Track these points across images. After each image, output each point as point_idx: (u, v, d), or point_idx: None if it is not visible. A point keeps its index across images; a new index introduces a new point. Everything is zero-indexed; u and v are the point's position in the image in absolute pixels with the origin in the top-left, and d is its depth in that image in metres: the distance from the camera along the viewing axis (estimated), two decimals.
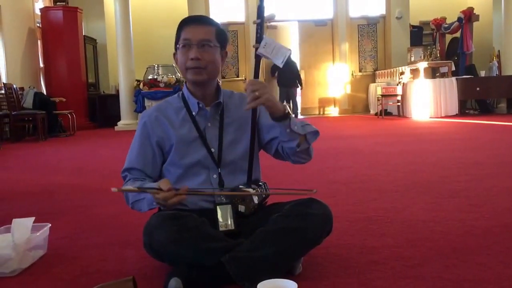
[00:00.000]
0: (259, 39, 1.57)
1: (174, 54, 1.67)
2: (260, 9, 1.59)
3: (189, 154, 1.63)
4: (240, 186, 1.63)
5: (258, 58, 1.60)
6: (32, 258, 1.79)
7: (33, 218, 1.81)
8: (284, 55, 1.53)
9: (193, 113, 1.66)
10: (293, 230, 1.48)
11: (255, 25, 1.59)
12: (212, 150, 1.64)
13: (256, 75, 1.59)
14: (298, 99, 12.02)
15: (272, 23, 11.88)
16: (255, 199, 1.62)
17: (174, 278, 1.36)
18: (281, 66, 1.61)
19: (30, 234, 1.76)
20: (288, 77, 10.76)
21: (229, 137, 1.67)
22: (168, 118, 1.66)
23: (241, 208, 1.59)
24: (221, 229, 1.54)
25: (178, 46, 1.62)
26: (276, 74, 11.08)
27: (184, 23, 1.62)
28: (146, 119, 1.68)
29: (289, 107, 10.94)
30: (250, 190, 1.62)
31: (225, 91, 1.73)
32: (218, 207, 1.57)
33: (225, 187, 1.64)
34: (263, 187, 1.67)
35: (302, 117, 11.53)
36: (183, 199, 1.46)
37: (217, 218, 1.55)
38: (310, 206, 1.55)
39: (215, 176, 1.64)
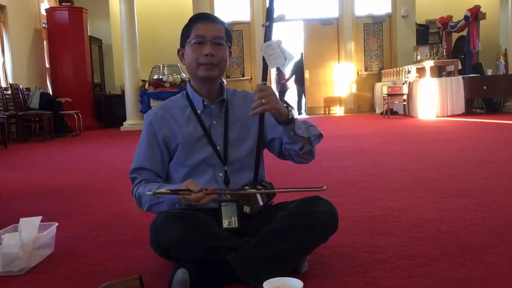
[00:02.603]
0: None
1: (179, 51, 1.67)
2: (269, 12, 1.58)
3: (195, 153, 1.64)
4: (246, 187, 1.63)
5: (265, 60, 1.59)
6: (40, 256, 1.80)
7: (40, 217, 1.82)
8: (279, 64, 1.53)
9: (198, 111, 1.66)
10: (299, 228, 1.48)
11: (264, 27, 1.58)
12: (218, 148, 1.65)
13: (264, 77, 1.59)
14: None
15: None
16: (260, 201, 1.62)
17: (181, 269, 1.37)
18: (272, 69, 1.60)
19: (37, 233, 1.77)
20: (302, 76, 11.83)
21: (234, 135, 1.67)
22: (173, 116, 1.66)
23: (246, 209, 1.59)
24: (224, 226, 1.55)
25: (188, 42, 1.62)
26: (294, 76, 11.89)
27: (196, 20, 1.62)
28: (151, 118, 1.68)
29: (304, 102, 11.52)
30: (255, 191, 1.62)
31: (228, 89, 1.74)
32: (222, 205, 1.57)
33: (230, 185, 1.64)
34: (268, 187, 1.67)
35: (307, 116, 11.53)
36: (212, 199, 1.47)
37: (221, 216, 1.56)
38: (316, 204, 1.55)
39: (221, 174, 1.64)
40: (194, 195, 1.43)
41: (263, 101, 1.46)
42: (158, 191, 1.48)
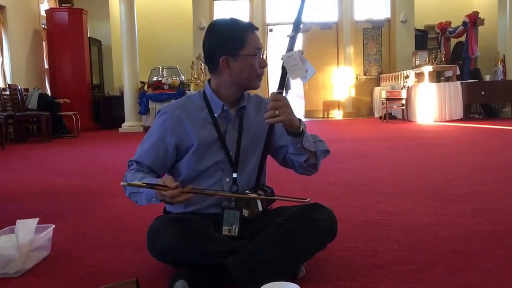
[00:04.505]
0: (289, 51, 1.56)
1: (224, 59, 1.57)
2: (296, 23, 1.57)
3: (206, 157, 1.62)
4: (246, 191, 1.63)
5: (284, 69, 1.56)
6: (36, 259, 1.79)
7: (37, 219, 1.82)
8: (300, 76, 1.51)
9: (215, 115, 1.64)
10: (297, 234, 1.48)
11: (288, 38, 1.57)
12: (230, 153, 1.64)
13: (281, 85, 1.57)
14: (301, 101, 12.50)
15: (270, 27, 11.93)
16: (260, 207, 1.62)
17: (180, 281, 1.36)
18: (291, 80, 1.59)
19: (34, 235, 1.76)
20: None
21: (246, 142, 1.66)
22: (190, 117, 1.63)
23: (245, 212, 1.59)
24: (224, 233, 1.55)
25: (247, 54, 1.57)
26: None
27: (247, 29, 1.59)
28: (167, 116, 1.63)
29: None
30: (255, 195, 1.62)
31: (244, 93, 1.72)
32: (225, 211, 1.57)
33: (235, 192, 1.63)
34: (269, 192, 1.67)
35: (305, 120, 11.55)
36: (189, 198, 1.46)
37: (222, 222, 1.55)
38: (315, 211, 1.55)
39: (227, 179, 1.64)
40: (170, 191, 1.41)
41: (277, 112, 1.46)
42: (133, 183, 1.46)
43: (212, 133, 1.63)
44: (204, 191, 1.59)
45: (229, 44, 1.57)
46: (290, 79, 1.55)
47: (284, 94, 1.55)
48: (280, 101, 1.48)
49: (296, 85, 12.53)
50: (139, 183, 1.46)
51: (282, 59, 1.53)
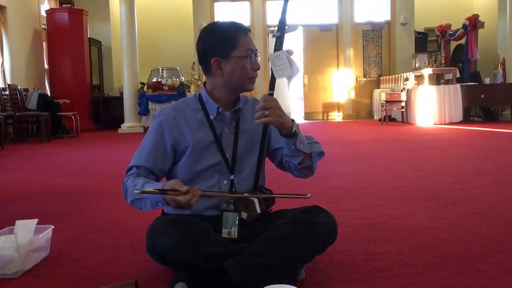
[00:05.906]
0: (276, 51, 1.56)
1: (215, 61, 1.57)
2: (281, 23, 1.57)
3: (203, 159, 1.62)
4: (245, 193, 1.63)
5: None
6: (35, 259, 1.79)
7: (36, 220, 1.81)
8: (286, 76, 1.51)
9: (211, 117, 1.64)
10: (298, 237, 1.48)
11: (274, 37, 1.58)
12: (227, 155, 1.64)
13: (272, 86, 1.57)
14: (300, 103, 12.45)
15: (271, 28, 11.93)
16: (258, 209, 1.62)
17: (180, 283, 1.36)
18: (277, 79, 1.58)
19: (33, 236, 1.76)
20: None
21: (243, 144, 1.66)
22: (186, 119, 1.63)
23: (244, 215, 1.59)
24: (223, 235, 1.55)
25: (239, 55, 1.56)
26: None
27: (238, 31, 1.59)
28: (163, 118, 1.64)
29: None
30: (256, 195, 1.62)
31: (241, 96, 1.71)
32: (224, 213, 1.57)
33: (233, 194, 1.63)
34: (268, 194, 1.67)
35: (305, 121, 11.54)
36: (199, 196, 1.46)
37: (221, 225, 1.55)
38: (315, 214, 1.55)
39: (225, 182, 1.64)
40: (184, 197, 1.40)
41: (266, 112, 1.46)
42: (145, 190, 1.45)
43: (208, 135, 1.63)
44: (211, 192, 1.59)
45: (221, 45, 1.57)
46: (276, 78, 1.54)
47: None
48: (269, 102, 1.48)
49: (295, 87, 12.53)
50: (151, 189, 1.45)
51: (269, 59, 1.54)
